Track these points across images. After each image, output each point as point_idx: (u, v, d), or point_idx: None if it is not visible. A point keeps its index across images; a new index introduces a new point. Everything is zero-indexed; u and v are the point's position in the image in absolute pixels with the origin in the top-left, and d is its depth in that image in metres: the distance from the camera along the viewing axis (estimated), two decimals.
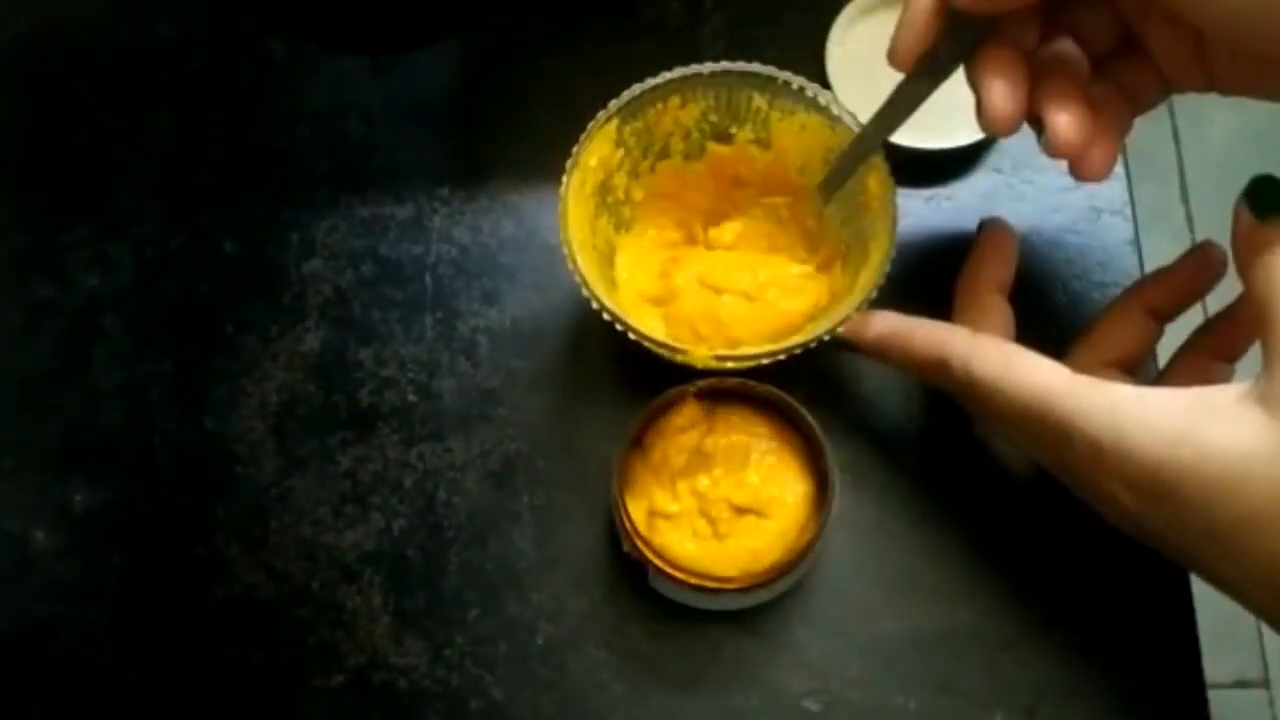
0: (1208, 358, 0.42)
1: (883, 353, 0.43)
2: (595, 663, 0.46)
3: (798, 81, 0.45)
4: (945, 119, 0.52)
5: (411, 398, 0.49)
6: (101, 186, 0.53)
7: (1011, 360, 0.39)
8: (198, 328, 0.51)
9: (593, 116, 0.45)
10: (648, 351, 0.44)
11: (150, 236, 0.52)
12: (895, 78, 0.50)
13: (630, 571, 0.44)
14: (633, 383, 0.49)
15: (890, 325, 0.43)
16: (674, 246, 0.49)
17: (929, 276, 0.50)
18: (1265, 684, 1.19)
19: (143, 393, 0.50)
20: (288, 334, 0.51)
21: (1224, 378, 0.42)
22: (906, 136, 0.50)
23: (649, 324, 0.46)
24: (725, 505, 0.43)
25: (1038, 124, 0.40)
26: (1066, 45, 0.42)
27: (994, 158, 0.52)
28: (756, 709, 0.45)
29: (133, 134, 0.54)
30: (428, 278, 0.51)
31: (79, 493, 0.49)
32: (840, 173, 0.45)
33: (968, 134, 0.51)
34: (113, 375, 0.50)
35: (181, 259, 0.52)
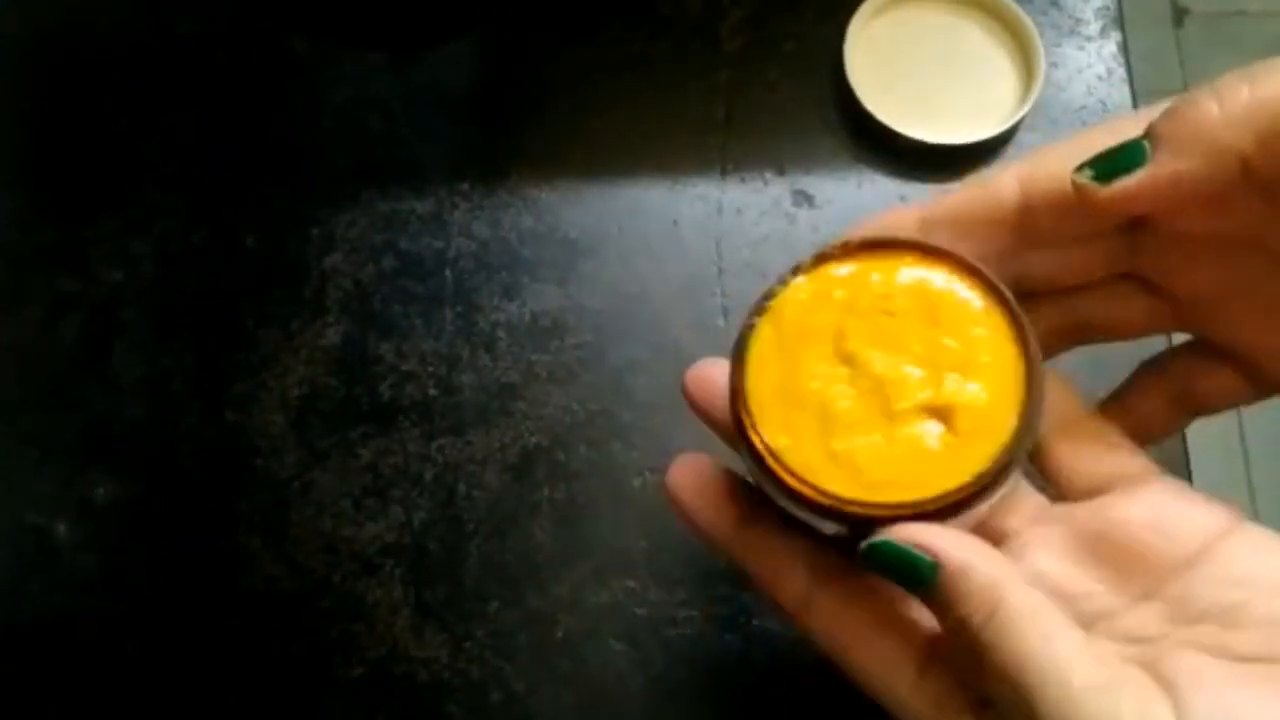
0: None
1: None
2: (615, 655, 0.46)
3: None
4: (962, 113, 0.52)
5: (431, 391, 0.50)
6: (124, 181, 0.54)
7: None
8: (219, 322, 0.51)
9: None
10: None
11: (172, 231, 0.53)
12: (913, 73, 0.50)
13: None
14: (653, 377, 0.49)
15: None
16: None
17: None
18: None
19: (164, 386, 0.50)
20: (308, 328, 0.51)
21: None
22: (923, 130, 0.51)
23: None
24: (896, 396, 0.31)
25: None
26: None
27: (1011, 152, 0.52)
28: (778, 699, 0.45)
29: (155, 129, 0.54)
30: (448, 272, 0.51)
31: (101, 486, 0.49)
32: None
33: (984, 128, 0.51)
34: (134, 369, 0.51)
35: (203, 253, 0.52)
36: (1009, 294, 0.31)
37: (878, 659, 0.31)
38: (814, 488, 0.30)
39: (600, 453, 0.48)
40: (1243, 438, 1.28)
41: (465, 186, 0.53)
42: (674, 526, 0.46)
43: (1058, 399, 0.34)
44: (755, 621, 0.46)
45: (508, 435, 0.49)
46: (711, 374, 0.34)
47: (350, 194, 0.53)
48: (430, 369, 0.50)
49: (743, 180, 0.52)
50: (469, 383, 0.50)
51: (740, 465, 0.32)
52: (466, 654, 0.46)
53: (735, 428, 0.31)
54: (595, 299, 0.51)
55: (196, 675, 0.46)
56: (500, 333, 0.50)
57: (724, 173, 0.53)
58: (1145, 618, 0.30)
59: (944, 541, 0.28)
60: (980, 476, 0.29)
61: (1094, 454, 0.33)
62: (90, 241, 0.53)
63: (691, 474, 0.34)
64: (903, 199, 0.52)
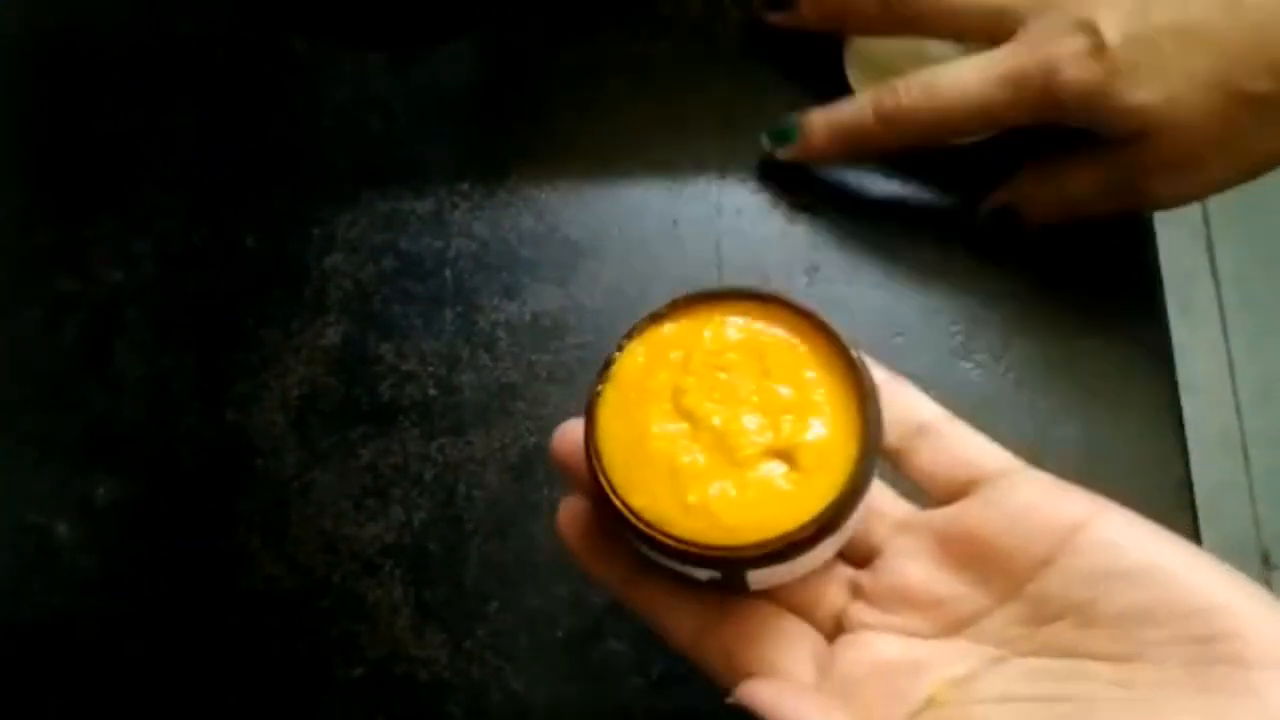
0: None
1: None
2: (615, 654, 0.46)
3: None
4: None
5: (431, 391, 0.50)
6: (124, 181, 0.54)
7: None
8: (219, 322, 0.51)
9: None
10: None
11: (173, 231, 0.53)
12: (913, 73, 0.50)
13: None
14: None
15: None
16: None
17: (944, 273, 0.51)
18: None
19: (165, 386, 0.50)
20: (308, 328, 0.51)
21: None
22: None
23: None
24: (738, 445, 0.33)
25: None
26: None
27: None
28: None
29: (155, 130, 0.54)
30: (448, 272, 0.51)
31: (101, 486, 0.49)
32: None
33: None
34: (135, 369, 0.51)
35: (203, 254, 0.52)
36: (838, 330, 0.33)
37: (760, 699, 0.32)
38: (676, 539, 0.31)
39: None
40: (1243, 438, 1.28)
41: (465, 186, 0.53)
42: None
43: (909, 405, 0.35)
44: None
45: (508, 435, 0.49)
46: (576, 435, 0.35)
47: (350, 194, 0.53)
48: (430, 369, 0.50)
49: (742, 180, 0.52)
50: (469, 383, 0.50)
51: None
52: (466, 654, 0.46)
53: (595, 492, 0.33)
54: (595, 299, 0.51)
55: (196, 675, 0.46)
56: (500, 333, 0.50)
57: (724, 173, 0.53)
58: (1008, 619, 0.32)
59: (786, 711, 0.30)
60: (832, 505, 0.31)
61: (949, 457, 0.34)
62: (90, 241, 0.53)
63: (578, 520, 0.36)
64: (903, 199, 0.52)
